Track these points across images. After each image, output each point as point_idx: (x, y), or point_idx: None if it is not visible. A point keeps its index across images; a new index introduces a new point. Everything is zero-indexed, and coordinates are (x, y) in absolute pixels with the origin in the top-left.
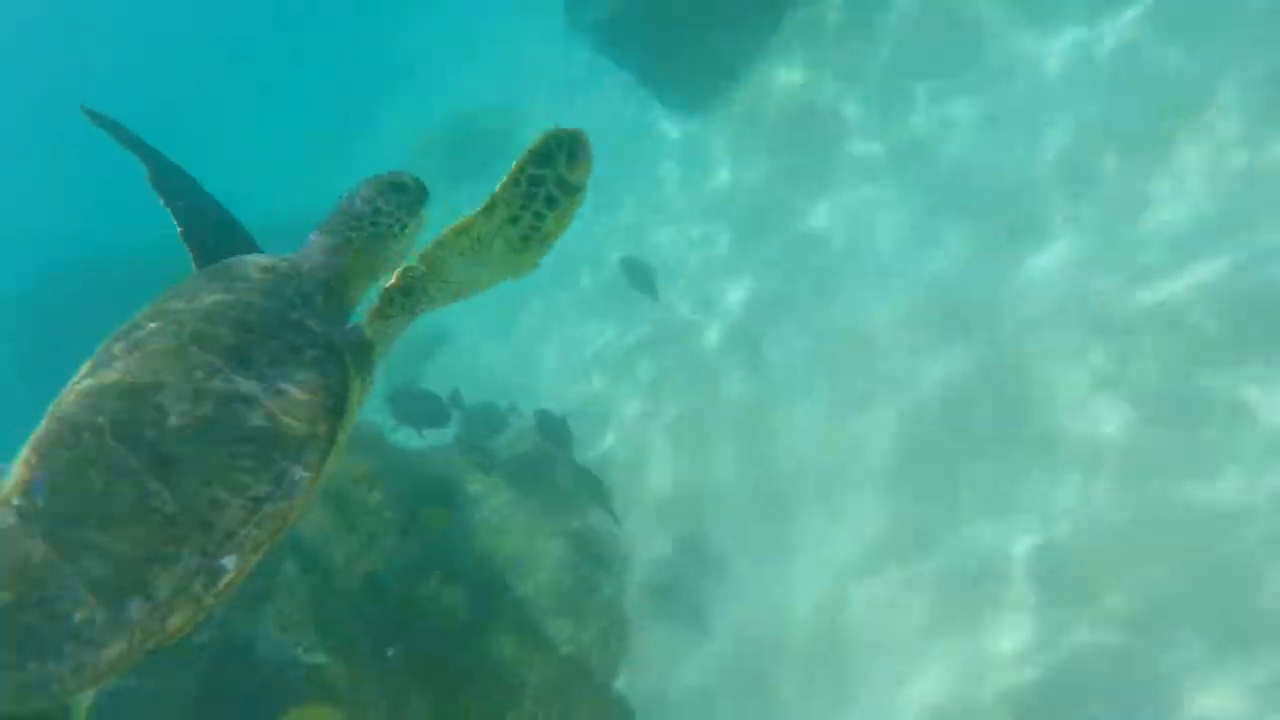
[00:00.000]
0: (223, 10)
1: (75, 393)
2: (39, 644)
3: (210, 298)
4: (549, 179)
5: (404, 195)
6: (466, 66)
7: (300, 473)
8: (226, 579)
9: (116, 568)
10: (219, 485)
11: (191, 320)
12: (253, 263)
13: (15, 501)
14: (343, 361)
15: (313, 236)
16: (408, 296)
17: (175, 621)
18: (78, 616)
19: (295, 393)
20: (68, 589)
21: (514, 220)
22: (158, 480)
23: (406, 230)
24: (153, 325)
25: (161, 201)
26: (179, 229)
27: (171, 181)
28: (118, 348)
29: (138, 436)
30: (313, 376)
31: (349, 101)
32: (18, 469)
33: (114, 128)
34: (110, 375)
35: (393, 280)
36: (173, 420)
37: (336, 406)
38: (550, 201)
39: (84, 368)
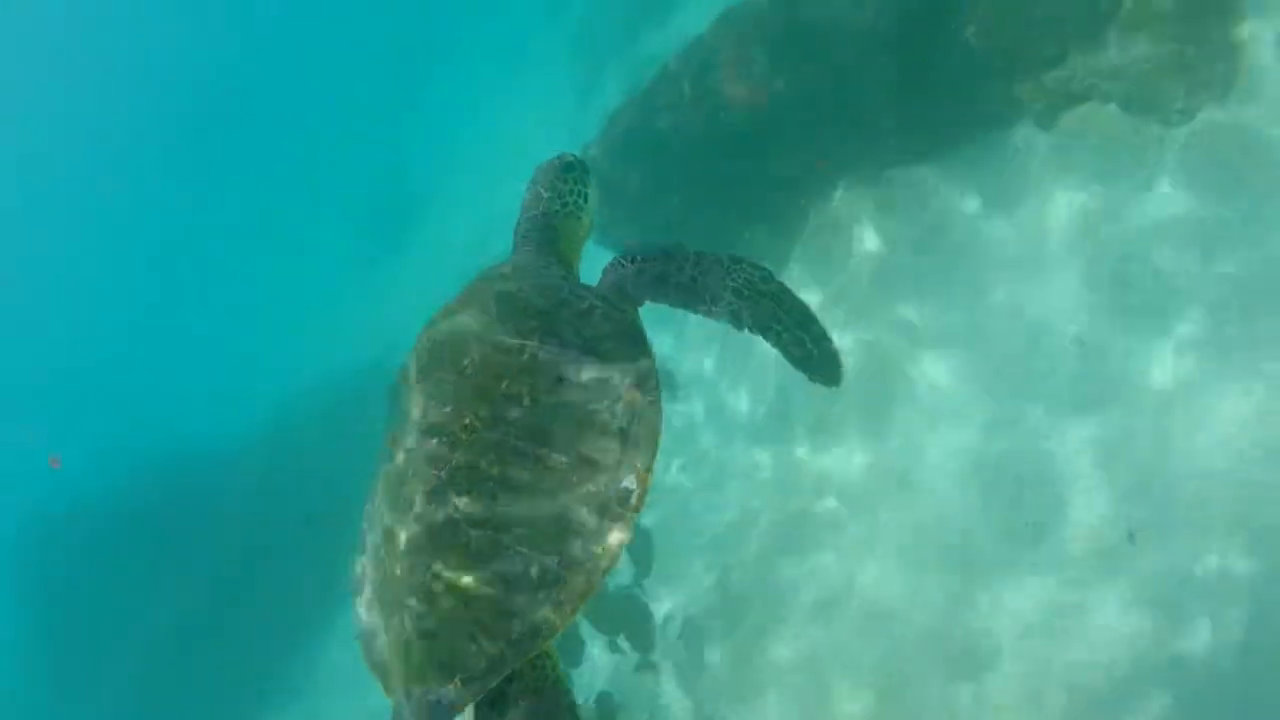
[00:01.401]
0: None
1: (421, 393)
2: (513, 607)
3: (496, 299)
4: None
5: (575, 171)
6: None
7: (644, 398)
8: (635, 494)
9: (542, 526)
10: (587, 431)
11: (493, 316)
12: (499, 272)
13: (428, 505)
14: (621, 309)
15: (519, 239)
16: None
17: (614, 539)
18: (534, 571)
19: (606, 344)
20: (513, 558)
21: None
22: (542, 446)
23: (589, 202)
24: (462, 319)
25: None
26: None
27: None
28: (444, 353)
29: (504, 419)
30: (607, 326)
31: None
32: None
33: None
34: (449, 380)
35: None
36: (526, 400)
37: (639, 338)
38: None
39: (412, 371)
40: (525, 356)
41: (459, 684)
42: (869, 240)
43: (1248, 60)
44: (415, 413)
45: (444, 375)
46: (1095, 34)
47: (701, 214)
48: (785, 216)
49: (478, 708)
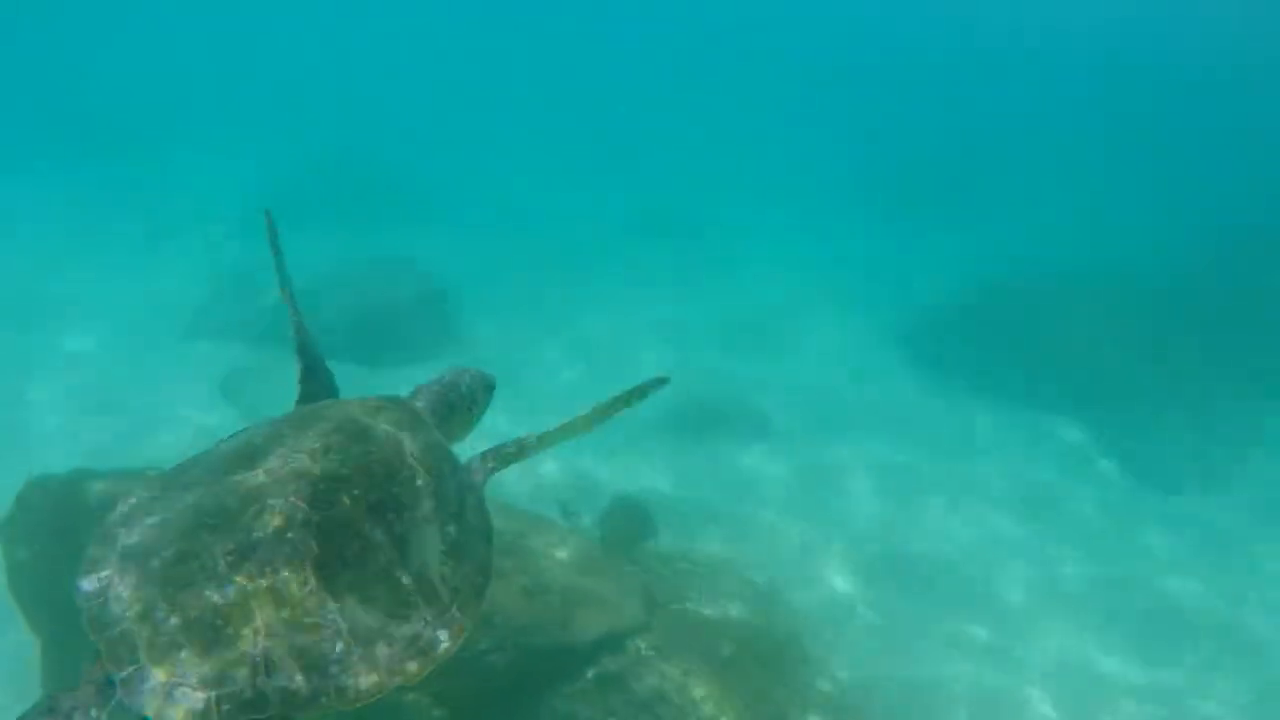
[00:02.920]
0: None
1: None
2: (310, 663)
3: (412, 422)
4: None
5: (491, 394)
6: None
7: (481, 580)
8: (444, 646)
9: (368, 616)
10: (435, 572)
11: (408, 431)
12: (411, 405)
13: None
14: (480, 497)
15: (422, 397)
16: (519, 457)
17: (412, 669)
18: (339, 648)
19: (471, 519)
20: (330, 624)
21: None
22: (398, 553)
23: (479, 416)
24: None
25: (295, 339)
26: (300, 369)
27: (308, 337)
28: (333, 439)
29: (383, 517)
30: (480, 517)
31: None
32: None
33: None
34: (353, 454)
35: (513, 450)
36: (406, 513)
37: (490, 533)
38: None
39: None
40: (418, 481)
41: (214, 701)
42: None
43: None
44: (291, 439)
45: (340, 438)
46: None
47: None
48: None
49: None
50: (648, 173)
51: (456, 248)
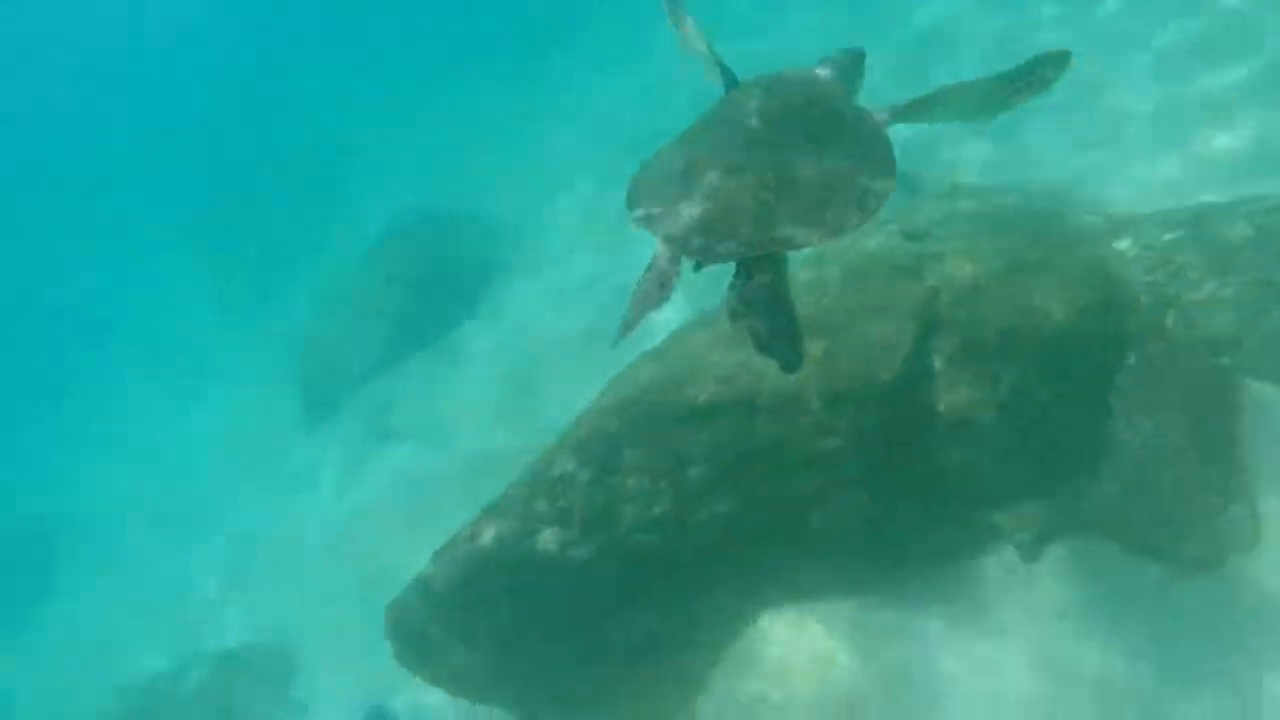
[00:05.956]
0: None
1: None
2: (818, 207)
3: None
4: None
5: (863, 62)
6: None
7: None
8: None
9: (824, 181)
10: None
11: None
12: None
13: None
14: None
15: (828, 68)
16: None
17: (881, 188)
18: (836, 187)
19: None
20: (816, 173)
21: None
22: (831, 139)
23: (863, 75)
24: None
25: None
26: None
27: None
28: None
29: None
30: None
31: None
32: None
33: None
34: (773, 104)
35: (908, 105)
36: (817, 128)
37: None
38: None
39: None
40: (845, 110)
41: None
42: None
43: (1270, 516)
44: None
45: (784, 88)
46: (1095, 468)
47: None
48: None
49: (740, 263)
50: None
51: None
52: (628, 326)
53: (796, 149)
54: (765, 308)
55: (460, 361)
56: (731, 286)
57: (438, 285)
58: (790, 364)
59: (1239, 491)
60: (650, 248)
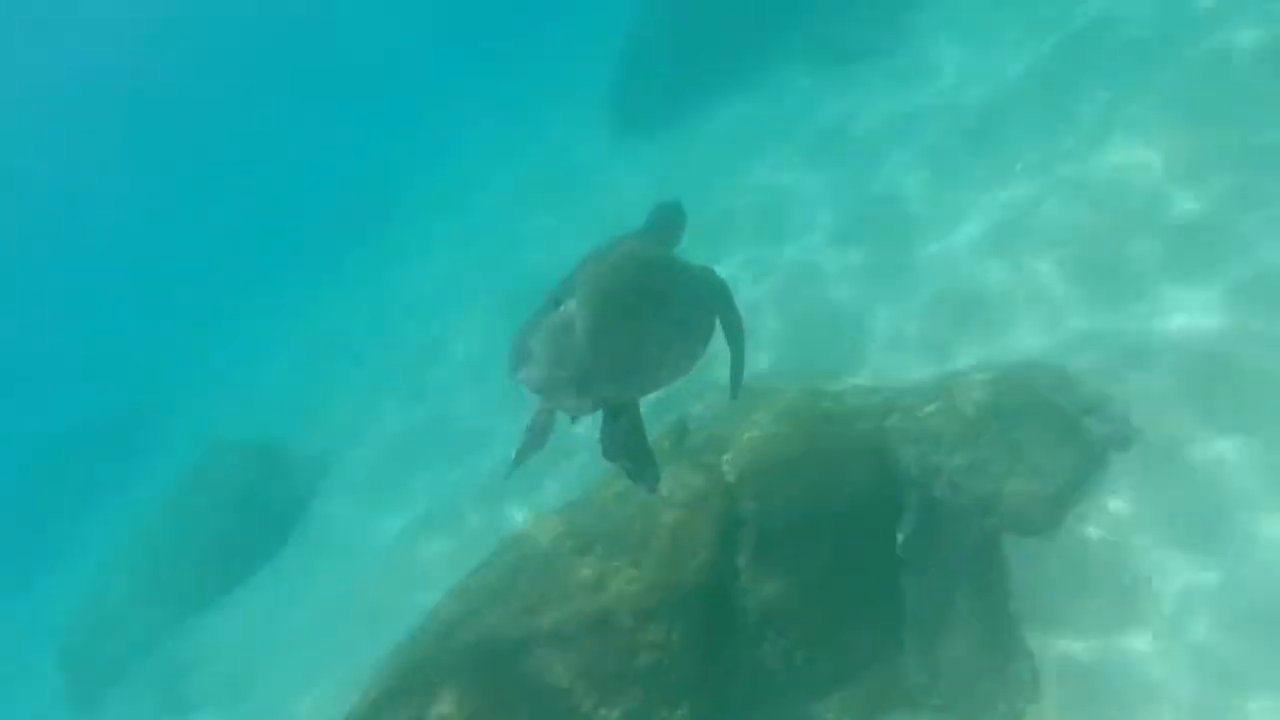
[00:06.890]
0: None
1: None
2: (665, 359)
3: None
4: None
5: (683, 214)
6: None
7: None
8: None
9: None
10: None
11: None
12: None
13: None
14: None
15: (643, 231)
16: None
17: (667, 374)
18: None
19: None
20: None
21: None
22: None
23: (683, 226)
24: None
25: None
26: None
27: None
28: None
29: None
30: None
31: None
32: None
33: None
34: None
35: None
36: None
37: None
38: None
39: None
40: (670, 273)
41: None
42: None
43: (1055, 661)
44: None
45: (617, 257)
46: (896, 651)
47: None
48: None
49: (607, 410)
50: None
51: None
52: (518, 461)
53: (637, 321)
54: (628, 443)
55: (263, 611)
56: (602, 432)
57: (239, 527)
58: (652, 485)
59: (1017, 647)
60: None
